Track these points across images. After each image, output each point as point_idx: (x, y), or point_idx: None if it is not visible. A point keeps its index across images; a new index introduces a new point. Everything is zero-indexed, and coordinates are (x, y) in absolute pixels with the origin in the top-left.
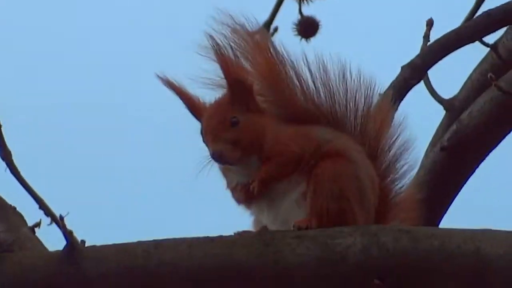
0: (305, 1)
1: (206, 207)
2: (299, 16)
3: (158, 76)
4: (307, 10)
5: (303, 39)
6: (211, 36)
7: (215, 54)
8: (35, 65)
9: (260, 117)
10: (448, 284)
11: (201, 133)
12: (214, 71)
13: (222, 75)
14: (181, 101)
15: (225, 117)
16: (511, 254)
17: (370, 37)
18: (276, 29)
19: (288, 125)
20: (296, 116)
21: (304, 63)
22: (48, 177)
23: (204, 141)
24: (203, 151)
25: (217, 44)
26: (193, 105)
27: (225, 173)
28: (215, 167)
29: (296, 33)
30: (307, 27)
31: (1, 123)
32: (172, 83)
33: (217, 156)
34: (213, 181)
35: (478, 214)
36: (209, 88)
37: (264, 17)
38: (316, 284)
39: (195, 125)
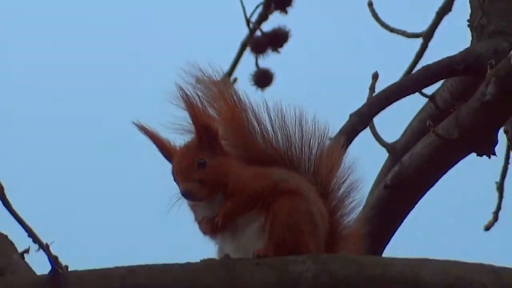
0: (261, 55)
1: (176, 234)
2: (255, 68)
3: (134, 123)
4: (263, 63)
5: (259, 89)
6: (180, 87)
7: (184, 103)
8: None
9: (224, 159)
10: None
11: (172, 173)
12: (184, 118)
13: (191, 122)
14: (154, 145)
15: (193, 159)
16: (446, 281)
17: (322, 88)
18: (235, 80)
19: (249, 166)
20: (256, 158)
21: (264, 109)
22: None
23: (174, 180)
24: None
25: (186, 94)
26: (165, 148)
27: (193, 208)
28: (184, 203)
29: (252, 83)
30: (263, 78)
31: None
32: (146, 129)
33: (186, 194)
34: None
35: (417, 246)
36: (180, 133)
37: (225, 68)
38: None
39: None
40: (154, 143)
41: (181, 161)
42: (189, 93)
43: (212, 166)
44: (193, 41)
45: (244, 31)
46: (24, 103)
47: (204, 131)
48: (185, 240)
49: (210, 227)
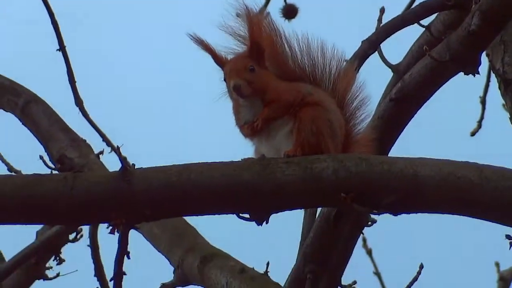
0: None
1: (222, 139)
2: (284, 3)
3: (190, 36)
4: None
5: (287, 20)
6: (245, 5)
7: (246, 19)
8: None
9: (267, 72)
10: (392, 197)
11: (224, 75)
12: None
13: (248, 36)
14: (207, 53)
15: (246, 65)
16: (439, 175)
17: (340, 20)
18: (268, 13)
19: (283, 81)
20: (288, 76)
21: (293, 37)
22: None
23: (225, 80)
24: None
25: (249, 11)
26: (216, 57)
27: (236, 111)
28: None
29: (281, 15)
30: (289, 11)
31: (75, 80)
32: (201, 41)
33: (236, 87)
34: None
35: (416, 148)
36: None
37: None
38: (300, 197)
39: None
40: (208, 52)
41: (236, 64)
42: (251, 12)
43: (259, 73)
44: None
45: None
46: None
47: (256, 46)
48: (229, 144)
49: (250, 130)
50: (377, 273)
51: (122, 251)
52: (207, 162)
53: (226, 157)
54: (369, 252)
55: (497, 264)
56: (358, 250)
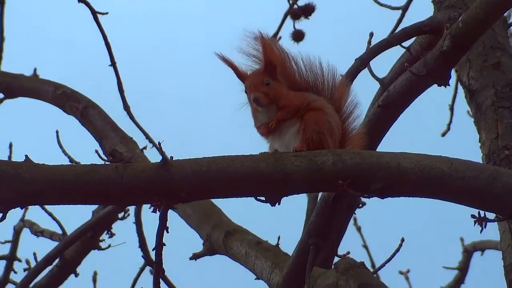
0: (297, 21)
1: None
2: (293, 29)
3: (217, 54)
4: (298, 25)
5: (296, 43)
6: (260, 32)
7: (260, 42)
8: None
9: (279, 84)
10: (380, 183)
11: (245, 88)
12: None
13: (262, 56)
14: (232, 70)
15: (262, 80)
16: (417, 167)
17: (336, 43)
18: (280, 38)
19: (292, 91)
20: (296, 87)
21: (299, 57)
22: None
23: (246, 92)
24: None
25: (263, 36)
26: (239, 73)
27: (254, 115)
28: (249, 112)
29: (291, 39)
30: (298, 36)
31: (124, 89)
32: (226, 58)
33: (255, 99)
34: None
35: (398, 145)
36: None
37: (273, 30)
38: (306, 183)
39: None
40: (232, 68)
41: (254, 79)
42: (265, 36)
43: (273, 86)
44: (253, 14)
45: (286, 6)
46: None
47: (269, 63)
48: (249, 142)
49: (266, 130)
50: (365, 246)
51: (162, 227)
52: (230, 155)
53: (247, 151)
54: (359, 229)
55: (462, 239)
56: (350, 227)
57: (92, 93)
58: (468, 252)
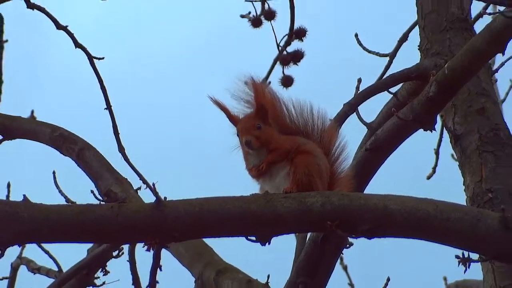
0: (286, 67)
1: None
2: (282, 75)
3: (210, 98)
4: (287, 71)
5: (285, 88)
6: (251, 78)
7: (252, 88)
8: None
9: (270, 128)
10: (367, 225)
11: (237, 131)
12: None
13: (254, 100)
14: (224, 114)
15: (253, 123)
16: (404, 208)
17: (325, 88)
18: (269, 82)
19: (282, 135)
20: (286, 131)
21: (289, 101)
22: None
23: (238, 135)
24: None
25: (254, 82)
26: (231, 116)
27: (246, 158)
28: (241, 155)
29: (280, 84)
30: (287, 81)
31: (119, 131)
32: (219, 102)
33: (247, 142)
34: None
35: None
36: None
37: (263, 75)
38: (295, 224)
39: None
40: (224, 112)
41: (246, 123)
42: (256, 81)
43: (264, 130)
44: (243, 59)
45: (275, 52)
46: None
47: (261, 107)
48: (239, 183)
49: (257, 172)
50: (351, 284)
51: (156, 265)
52: (222, 196)
53: (238, 192)
54: (345, 268)
55: (445, 278)
56: (336, 266)
57: (87, 135)
58: None
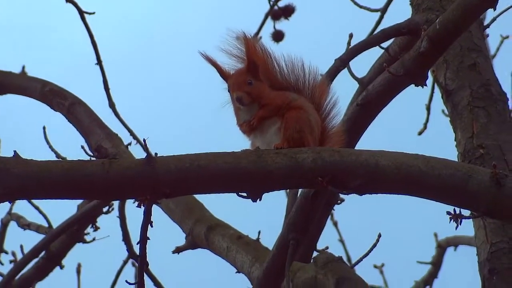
0: (277, 21)
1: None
2: (273, 29)
3: (200, 53)
4: (278, 26)
5: (275, 43)
6: (243, 32)
7: (243, 42)
8: None
9: (261, 83)
10: (358, 180)
11: (228, 87)
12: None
13: (244, 56)
14: (215, 69)
15: (245, 79)
16: (395, 164)
17: (317, 42)
18: (260, 37)
19: (274, 90)
20: (277, 86)
21: (281, 57)
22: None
23: (229, 91)
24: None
25: (245, 36)
26: (222, 72)
27: (237, 113)
28: (231, 111)
29: (271, 39)
30: (278, 36)
31: (109, 87)
32: (210, 58)
33: (238, 98)
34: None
35: (376, 143)
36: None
37: (254, 30)
38: (286, 180)
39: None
40: (215, 67)
41: (237, 79)
42: (247, 36)
43: (255, 85)
44: (234, 15)
45: (266, 7)
46: None
47: (252, 63)
48: (232, 140)
49: (248, 127)
50: (342, 240)
51: (147, 221)
52: (213, 152)
53: (229, 148)
54: (335, 224)
55: (436, 235)
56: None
57: (78, 91)
58: (442, 247)
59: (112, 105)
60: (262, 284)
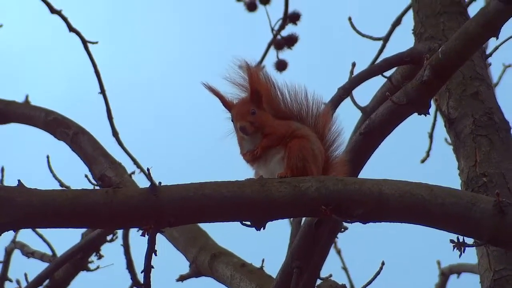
0: (280, 51)
1: (229, 166)
2: (276, 59)
3: (203, 84)
4: (281, 55)
5: (279, 72)
6: (246, 62)
7: (246, 72)
8: None
9: (265, 112)
10: (362, 209)
11: (232, 117)
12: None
13: (248, 85)
14: (218, 99)
15: (248, 109)
16: (398, 192)
17: (319, 71)
18: (264, 66)
19: (277, 119)
20: (281, 115)
21: (284, 86)
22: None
23: (233, 121)
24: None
25: (249, 66)
26: (225, 102)
27: (240, 143)
28: (235, 140)
29: (274, 68)
30: (281, 65)
31: (113, 116)
32: (212, 88)
33: (242, 128)
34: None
35: (379, 172)
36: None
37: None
38: (290, 209)
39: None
40: (218, 98)
41: (241, 109)
42: (251, 65)
43: (259, 115)
44: (237, 44)
45: (269, 36)
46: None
47: (255, 92)
48: (235, 169)
49: (251, 157)
50: (345, 268)
51: (151, 250)
52: (217, 181)
53: (233, 177)
54: (339, 252)
55: (438, 262)
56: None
57: (81, 120)
58: (445, 275)
59: (115, 134)
60: None
